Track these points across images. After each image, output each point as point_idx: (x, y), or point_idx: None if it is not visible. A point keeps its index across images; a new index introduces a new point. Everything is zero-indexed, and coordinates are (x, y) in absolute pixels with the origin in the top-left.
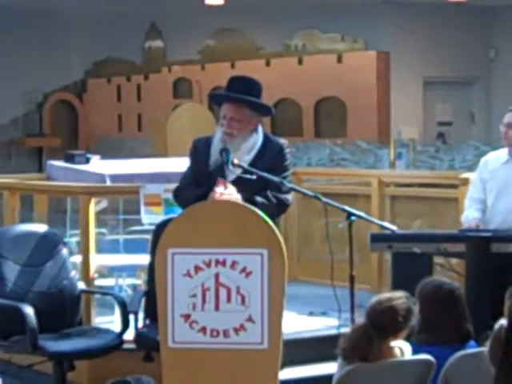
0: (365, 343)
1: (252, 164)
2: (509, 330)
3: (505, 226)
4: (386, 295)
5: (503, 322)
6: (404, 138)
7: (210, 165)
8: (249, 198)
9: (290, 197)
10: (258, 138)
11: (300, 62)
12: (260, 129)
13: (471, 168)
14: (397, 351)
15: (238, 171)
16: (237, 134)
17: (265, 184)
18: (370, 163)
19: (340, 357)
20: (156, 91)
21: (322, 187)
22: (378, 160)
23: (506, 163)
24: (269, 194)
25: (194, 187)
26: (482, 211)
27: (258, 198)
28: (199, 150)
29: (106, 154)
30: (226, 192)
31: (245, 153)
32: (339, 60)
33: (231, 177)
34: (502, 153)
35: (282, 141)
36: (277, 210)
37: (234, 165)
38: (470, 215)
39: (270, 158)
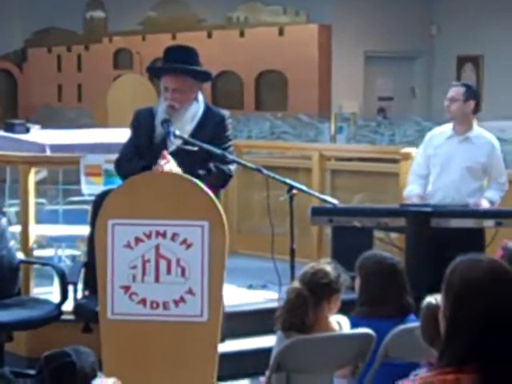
0: (300, 306)
1: (193, 134)
2: (450, 306)
3: (445, 202)
4: (314, 263)
5: (432, 298)
6: (345, 112)
7: (155, 137)
8: (190, 171)
9: (232, 167)
10: (198, 108)
11: (242, 34)
12: (201, 98)
13: (412, 143)
14: (335, 325)
15: (180, 142)
16: (180, 106)
17: (207, 155)
18: (311, 137)
19: (278, 330)
20: (96, 62)
21: (262, 160)
22: (319, 134)
23: (450, 138)
24: (211, 165)
25: (136, 159)
26: (425, 186)
27: (200, 171)
28: (140, 121)
29: (45, 124)
30: (166, 166)
31: (186, 123)
32: (281, 33)
33: (172, 148)
34: (447, 127)
35: (224, 111)
36: (220, 181)
37: (175, 136)
38: (413, 190)
39: (211, 128)
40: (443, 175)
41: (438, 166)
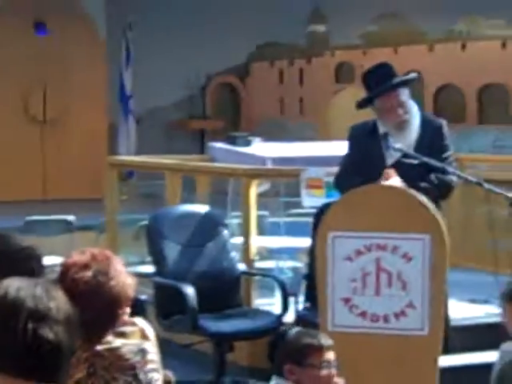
0: None
1: (415, 146)
2: None
3: None
4: None
5: None
6: None
7: (382, 153)
8: (411, 184)
9: (455, 177)
10: (415, 119)
11: (463, 47)
12: (415, 108)
13: None
14: None
15: (398, 155)
16: (409, 117)
17: (427, 167)
18: None
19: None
20: (318, 75)
21: (485, 173)
22: None
23: None
24: (432, 176)
25: (354, 175)
26: None
27: (422, 184)
28: (357, 137)
29: (267, 137)
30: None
31: (407, 135)
32: (503, 46)
33: (390, 161)
34: None
35: (440, 120)
36: (442, 192)
37: (395, 149)
38: None
39: (430, 137)
40: None
41: None
